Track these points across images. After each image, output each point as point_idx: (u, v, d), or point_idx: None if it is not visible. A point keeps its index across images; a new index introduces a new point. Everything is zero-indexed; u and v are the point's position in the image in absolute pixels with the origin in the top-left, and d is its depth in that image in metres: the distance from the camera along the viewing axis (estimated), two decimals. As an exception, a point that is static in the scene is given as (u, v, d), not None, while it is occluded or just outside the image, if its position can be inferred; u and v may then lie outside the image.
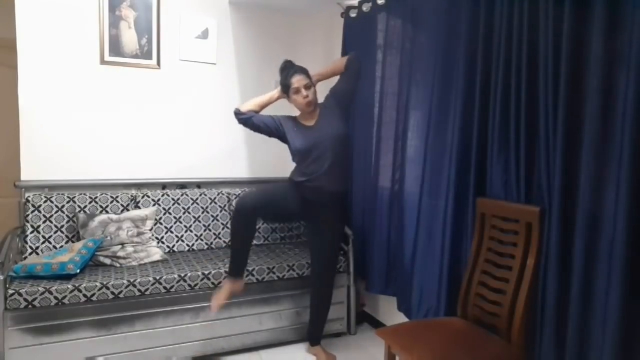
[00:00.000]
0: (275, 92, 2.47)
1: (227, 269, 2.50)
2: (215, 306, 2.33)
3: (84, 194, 2.75)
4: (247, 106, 2.44)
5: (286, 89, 2.38)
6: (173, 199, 2.96)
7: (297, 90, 2.33)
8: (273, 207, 2.42)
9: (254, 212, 2.33)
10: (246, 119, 2.41)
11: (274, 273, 2.62)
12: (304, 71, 2.38)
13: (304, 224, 2.57)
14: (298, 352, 2.65)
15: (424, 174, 2.33)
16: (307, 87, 2.34)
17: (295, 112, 2.50)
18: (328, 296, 2.59)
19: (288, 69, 2.39)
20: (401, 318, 2.47)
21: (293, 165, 2.47)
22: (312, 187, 2.36)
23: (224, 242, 2.99)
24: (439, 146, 2.25)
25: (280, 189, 2.46)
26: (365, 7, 2.85)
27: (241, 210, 2.29)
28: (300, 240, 3.18)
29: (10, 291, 2.11)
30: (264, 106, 2.47)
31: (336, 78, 2.52)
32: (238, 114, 2.42)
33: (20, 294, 2.11)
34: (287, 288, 2.67)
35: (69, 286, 2.19)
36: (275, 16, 3.34)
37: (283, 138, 2.44)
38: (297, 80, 2.32)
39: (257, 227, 3.10)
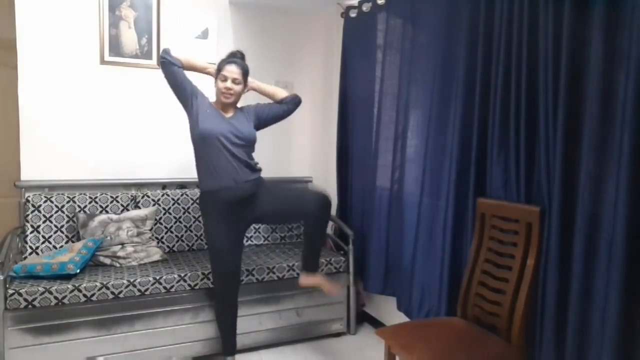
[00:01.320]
0: (211, 67, 2.38)
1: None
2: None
3: (84, 194, 2.75)
4: (179, 55, 2.30)
5: (217, 72, 2.30)
6: (173, 199, 2.96)
7: (225, 78, 2.25)
8: (233, 250, 2.32)
9: (233, 282, 2.35)
10: (170, 62, 2.24)
11: (274, 273, 2.62)
12: (243, 68, 2.29)
13: (259, 219, 2.42)
14: (298, 352, 2.65)
15: (424, 174, 2.33)
16: (234, 81, 2.25)
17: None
18: (327, 221, 2.41)
19: (231, 57, 2.32)
20: (401, 318, 2.47)
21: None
22: (230, 186, 2.23)
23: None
24: (439, 146, 2.25)
25: (212, 240, 2.33)
26: (365, 7, 2.85)
27: (222, 297, 2.35)
28: (300, 240, 3.18)
29: (10, 291, 2.11)
30: (192, 68, 2.36)
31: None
32: (167, 53, 2.26)
33: (20, 294, 2.11)
34: (287, 288, 2.67)
35: (69, 286, 2.19)
36: (275, 16, 3.34)
37: (189, 103, 2.29)
38: (229, 70, 2.25)
39: (257, 227, 3.11)
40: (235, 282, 2.38)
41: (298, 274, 2.66)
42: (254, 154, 2.37)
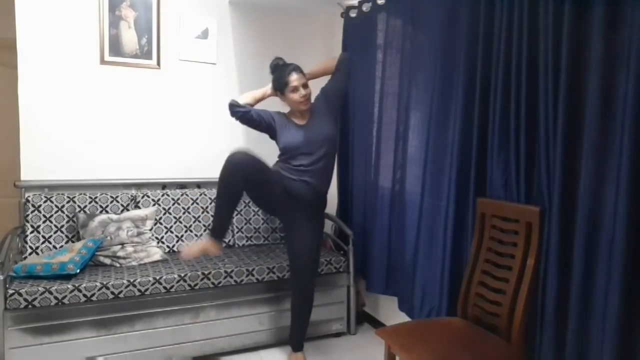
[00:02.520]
0: (268, 88, 2.42)
1: (227, 269, 2.50)
2: (186, 254, 2.28)
3: (84, 194, 2.75)
4: (243, 99, 2.36)
5: (282, 87, 2.33)
6: (173, 199, 2.96)
7: (295, 89, 2.30)
8: (261, 178, 2.28)
9: (244, 171, 2.18)
10: (245, 112, 2.31)
11: (274, 273, 2.62)
12: (300, 70, 2.35)
13: (284, 222, 2.43)
14: (298, 352, 2.65)
15: (425, 174, 2.33)
16: (304, 86, 2.32)
17: (285, 109, 2.47)
18: (311, 299, 2.48)
19: (283, 67, 2.35)
20: (401, 318, 2.47)
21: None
22: (297, 181, 2.31)
23: (224, 242, 2.99)
24: (440, 146, 2.25)
25: (269, 168, 2.35)
26: (365, 7, 2.85)
27: (232, 164, 2.15)
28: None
29: (10, 291, 2.11)
30: (258, 101, 2.42)
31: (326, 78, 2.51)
32: (236, 105, 2.31)
33: (20, 294, 2.11)
34: (287, 288, 2.66)
35: (69, 286, 2.19)
36: (275, 16, 3.34)
37: (274, 133, 2.38)
38: (296, 79, 2.29)
39: (257, 227, 3.11)
40: (306, 267, 2.39)
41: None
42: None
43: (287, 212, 2.43)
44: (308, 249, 2.40)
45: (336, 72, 2.47)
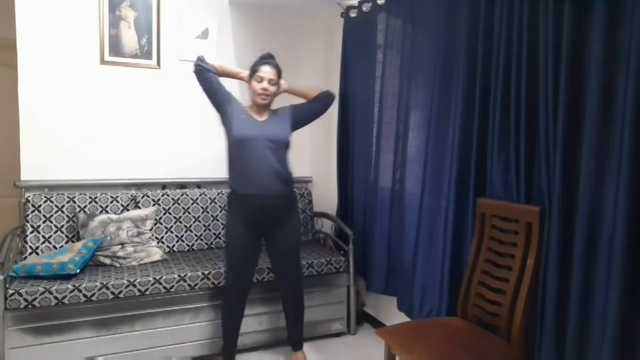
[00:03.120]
0: (244, 72, 2.39)
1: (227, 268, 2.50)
2: None
3: (84, 194, 2.75)
4: (213, 61, 2.32)
5: (251, 73, 2.31)
6: (173, 199, 2.96)
7: (261, 79, 2.26)
8: (251, 257, 2.35)
9: (241, 283, 2.34)
10: (207, 69, 2.26)
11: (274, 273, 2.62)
12: (277, 68, 2.30)
13: (261, 231, 2.36)
14: (298, 352, 2.65)
15: (425, 174, 2.33)
16: (270, 82, 2.27)
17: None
18: (301, 298, 2.48)
19: (264, 58, 2.33)
20: (401, 318, 2.47)
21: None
22: (258, 195, 2.24)
23: (224, 242, 2.98)
24: (440, 146, 2.25)
25: (236, 240, 2.32)
26: (365, 7, 2.85)
27: (231, 293, 2.34)
28: (300, 240, 3.17)
29: (10, 291, 2.11)
30: (226, 74, 2.37)
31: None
32: (202, 60, 2.28)
33: (20, 294, 2.11)
34: (287, 288, 2.67)
35: (69, 286, 2.19)
36: (275, 16, 3.34)
37: (223, 110, 2.31)
38: (265, 71, 2.26)
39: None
40: (242, 283, 2.35)
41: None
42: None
43: (263, 226, 2.35)
44: (292, 249, 2.41)
45: (314, 101, 2.44)
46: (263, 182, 2.25)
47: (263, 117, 2.34)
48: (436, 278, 2.24)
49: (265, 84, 2.26)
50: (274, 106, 2.41)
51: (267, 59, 2.32)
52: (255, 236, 2.34)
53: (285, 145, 2.33)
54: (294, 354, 2.52)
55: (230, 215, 2.36)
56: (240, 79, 2.41)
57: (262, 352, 2.64)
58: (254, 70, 2.29)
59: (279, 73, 2.32)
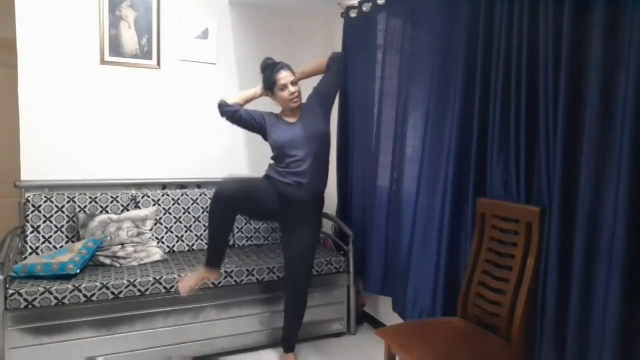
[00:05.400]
0: (258, 88, 2.41)
1: (227, 269, 2.50)
2: (184, 288, 2.25)
3: (84, 194, 2.75)
4: (232, 99, 2.36)
5: (271, 86, 2.32)
6: (173, 199, 2.96)
7: (284, 87, 2.28)
8: (251, 201, 2.30)
9: (233, 201, 2.20)
10: (234, 112, 2.32)
11: (274, 273, 2.62)
12: (289, 67, 2.33)
13: (280, 224, 2.42)
14: (298, 352, 2.64)
15: (421, 174, 2.34)
16: (293, 84, 2.31)
17: (276, 109, 2.46)
18: (304, 301, 2.47)
19: (272, 65, 2.34)
20: (401, 318, 2.47)
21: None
22: (291, 184, 2.29)
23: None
24: (436, 146, 2.25)
25: (258, 185, 2.36)
26: (365, 7, 2.85)
27: (220, 198, 2.17)
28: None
29: (10, 291, 2.11)
30: (248, 101, 2.41)
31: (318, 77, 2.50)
32: (224, 105, 2.32)
33: (20, 294, 2.11)
34: (287, 288, 2.67)
35: (69, 286, 2.19)
36: (275, 16, 3.34)
37: (265, 133, 2.37)
38: (283, 77, 2.28)
39: (257, 227, 3.11)
40: (302, 271, 2.39)
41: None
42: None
43: (283, 218, 2.42)
44: (304, 253, 2.40)
45: (328, 71, 2.46)
46: (302, 175, 2.29)
47: (296, 117, 2.38)
48: (429, 278, 2.23)
49: (291, 89, 2.29)
50: None
51: (276, 64, 2.34)
52: (273, 210, 2.34)
53: (323, 137, 2.38)
54: (285, 355, 2.52)
55: (265, 183, 2.37)
56: (260, 96, 2.43)
57: (262, 352, 2.64)
58: (272, 81, 2.31)
59: (292, 70, 2.35)
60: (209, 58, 3.17)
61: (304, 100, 2.43)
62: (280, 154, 2.33)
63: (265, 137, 2.40)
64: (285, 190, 2.30)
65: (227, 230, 2.31)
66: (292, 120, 2.38)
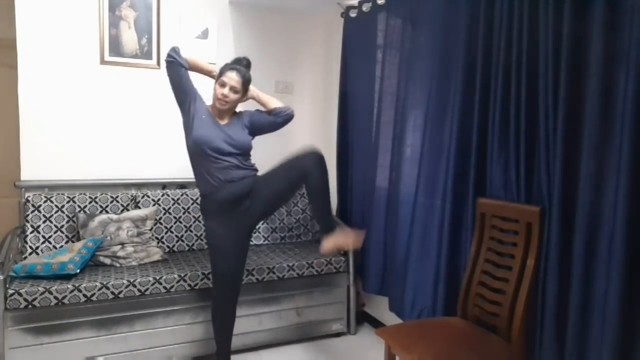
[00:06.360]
0: (216, 71, 2.32)
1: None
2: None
3: (84, 194, 2.75)
4: (189, 56, 2.25)
5: (218, 75, 2.23)
6: (173, 199, 2.96)
7: (223, 84, 2.18)
8: (231, 257, 2.22)
9: (231, 285, 2.25)
10: (178, 63, 2.20)
11: (274, 273, 2.62)
12: (244, 77, 2.21)
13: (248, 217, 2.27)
14: (298, 352, 2.65)
15: (420, 174, 2.34)
16: (232, 89, 2.17)
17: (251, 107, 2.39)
18: (326, 183, 2.20)
19: (236, 63, 2.27)
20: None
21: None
22: (237, 182, 2.18)
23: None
24: (435, 146, 2.25)
25: (216, 242, 2.24)
26: (365, 7, 2.85)
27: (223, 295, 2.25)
28: (300, 240, 3.18)
29: (10, 291, 2.11)
30: (198, 69, 2.31)
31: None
32: (177, 52, 2.21)
33: (20, 294, 2.11)
34: (287, 288, 2.67)
35: (69, 286, 2.19)
36: (276, 16, 3.34)
37: (187, 110, 2.23)
38: (229, 78, 2.18)
39: (257, 227, 3.10)
40: (232, 286, 2.28)
41: (298, 274, 2.66)
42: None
43: (242, 213, 2.25)
44: (279, 174, 2.26)
45: (273, 114, 2.33)
46: (224, 175, 2.17)
47: (224, 121, 2.27)
48: (429, 278, 2.24)
49: (226, 91, 2.17)
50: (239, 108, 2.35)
51: (237, 64, 2.25)
52: (236, 233, 2.22)
53: (245, 150, 2.26)
54: (327, 235, 2.20)
55: (206, 219, 2.29)
56: (211, 77, 2.34)
57: (262, 352, 2.64)
58: (220, 72, 2.22)
59: (245, 82, 2.22)
60: (209, 58, 3.15)
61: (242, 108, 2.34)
62: (197, 151, 2.19)
63: (183, 110, 2.26)
64: (226, 192, 2.18)
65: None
66: (222, 122, 2.26)
